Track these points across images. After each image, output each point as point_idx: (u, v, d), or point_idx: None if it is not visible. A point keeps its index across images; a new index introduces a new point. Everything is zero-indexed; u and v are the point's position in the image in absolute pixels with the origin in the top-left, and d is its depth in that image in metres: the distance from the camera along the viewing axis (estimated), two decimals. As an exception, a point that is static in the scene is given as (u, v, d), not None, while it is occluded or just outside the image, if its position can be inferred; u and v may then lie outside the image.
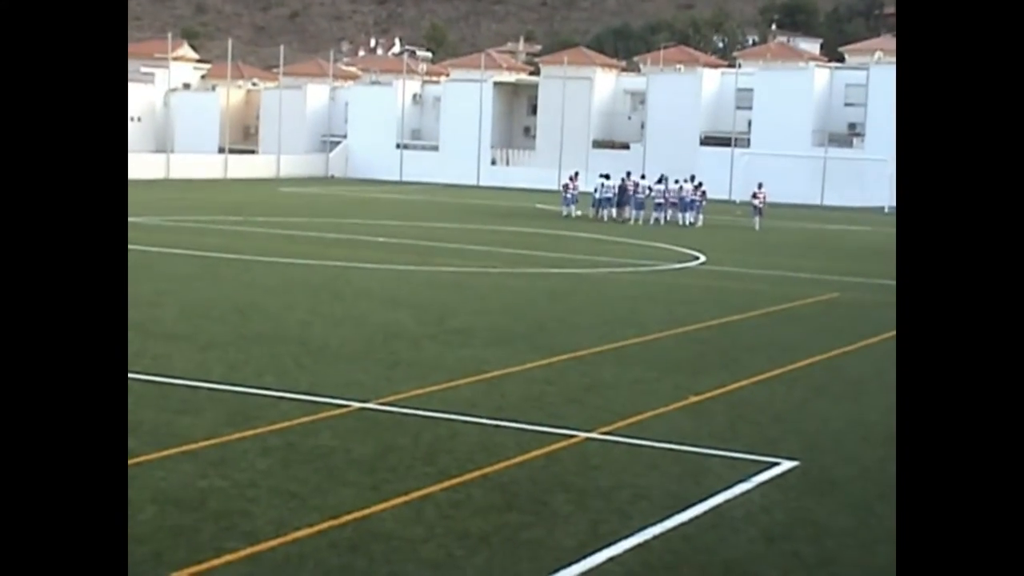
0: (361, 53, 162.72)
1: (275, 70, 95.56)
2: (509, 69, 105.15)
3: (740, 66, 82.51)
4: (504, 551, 8.85)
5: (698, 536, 9.39)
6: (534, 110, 79.76)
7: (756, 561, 8.90)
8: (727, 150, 69.20)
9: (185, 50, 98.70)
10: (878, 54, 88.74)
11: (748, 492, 10.64)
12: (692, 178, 47.59)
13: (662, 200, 47.10)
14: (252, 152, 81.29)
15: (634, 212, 47.22)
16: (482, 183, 75.09)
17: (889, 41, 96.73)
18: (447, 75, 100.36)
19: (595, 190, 48.39)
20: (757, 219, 46.20)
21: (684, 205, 46.78)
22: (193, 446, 11.34)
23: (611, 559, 8.76)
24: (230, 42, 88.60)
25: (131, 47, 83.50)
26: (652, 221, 46.40)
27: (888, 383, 14.77)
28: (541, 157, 76.33)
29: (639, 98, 77.64)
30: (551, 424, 12.76)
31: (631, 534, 9.28)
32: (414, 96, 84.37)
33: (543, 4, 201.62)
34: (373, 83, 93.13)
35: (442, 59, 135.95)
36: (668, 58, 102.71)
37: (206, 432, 11.86)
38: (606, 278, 27.89)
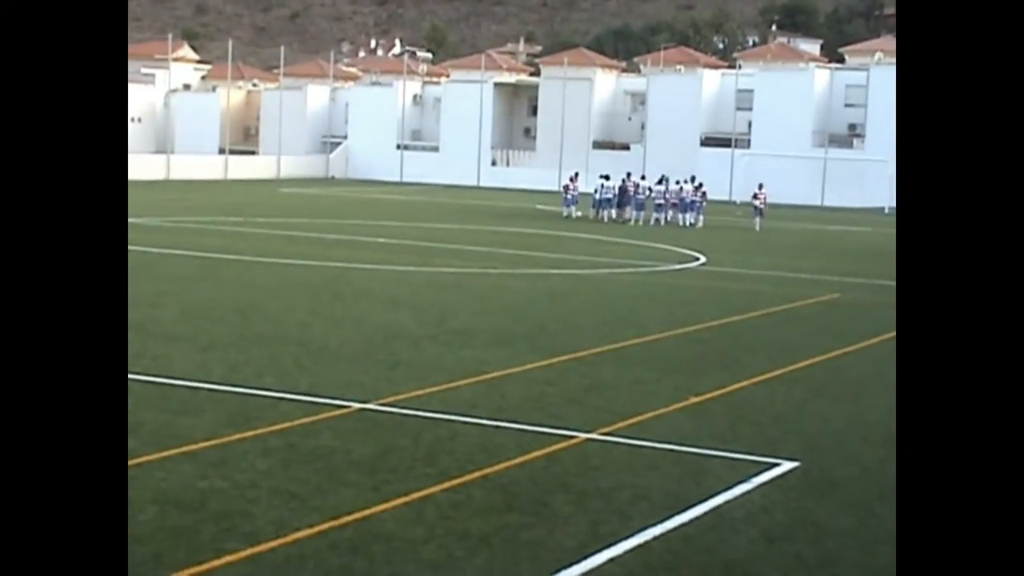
0: (361, 54, 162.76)
1: (275, 71, 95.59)
2: (509, 70, 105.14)
3: (740, 67, 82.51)
4: (504, 552, 8.85)
5: (698, 537, 9.39)
6: (534, 111, 79.77)
7: (756, 562, 8.90)
8: (727, 151, 69.21)
9: (185, 51, 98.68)
10: (878, 55, 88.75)
11: (748, 493, 10.64)
12: (692, 179, 47.60)
13: (662, 201, 47.10)
14: (252, 153, 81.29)
15: (634, 213, 47.22)
16: (482, 184, 75.10)
17: (889, 42, 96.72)
18: (447, 76, 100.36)
19: (595, 191, 48.40)
20: (758, 220, 46.19)
21: (684, 206, 46.79)
22: (193, 447, 11.34)
23: (611, 560, 8.76)
24: (230, 43, 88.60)
25: (131, 48, 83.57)
26: (652, 222, 46.40)
27: (888, 384, 14.77)
28: (541, 158, 76.33)
29: (639, 99, 77.65)
30: (551, 425, 12.76)
31: (631, 535, 9.28)
32: (414, 97, 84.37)
33: (543, 5, 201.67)
34: (373, 84, 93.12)
35: (442, 60, 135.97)
36: (668, 59, 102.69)
37: (206, 433, 11.86)
38: (606, 279, 27.89)
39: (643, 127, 74.57)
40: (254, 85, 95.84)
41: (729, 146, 69.62)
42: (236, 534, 8.93)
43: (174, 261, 27.68)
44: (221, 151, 76.86)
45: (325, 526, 9.16)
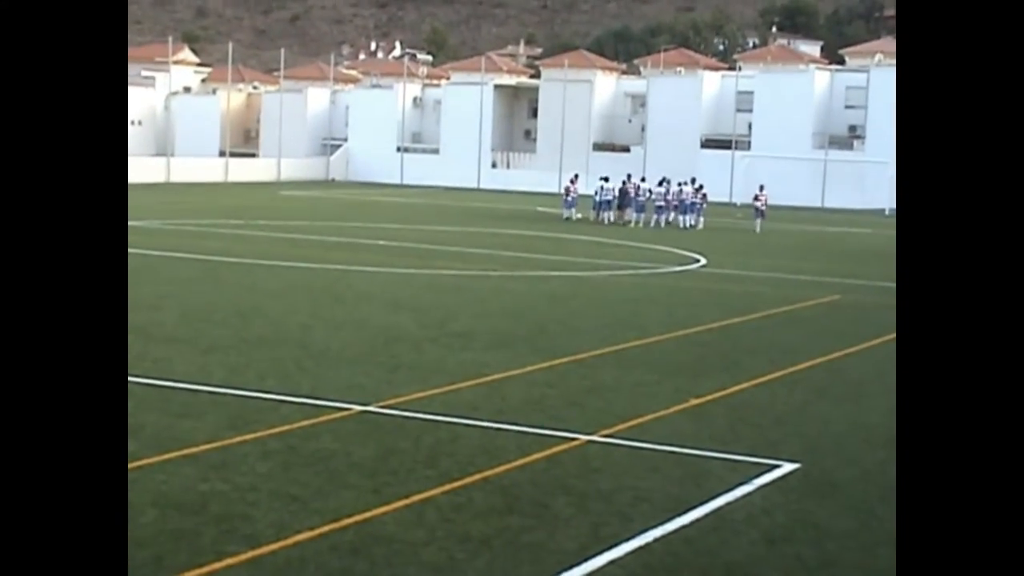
0: (362, 56, 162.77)
1: (276, 73, 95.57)
2: (509, 72, 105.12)
3: (740, 69, 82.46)
4: (505, 554, 8.86)
5: (699, 539, 9.40)
6: (534, 113, 79.73)
7: (757, 563, 8.90)
8: (727, 153, 69.17)
9: (186, 54, 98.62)
10: (878, 56, 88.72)
11: (749, 494, 10.64)
12: (693, 181, 47.61)
13: (663, 203, 47.11)
14: (253, 156, 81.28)
15: (635, 215, 47.24)
16: (483, 186, 75.11)
17: (889, 43, 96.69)
18: (447, 78, 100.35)
19: (595, 193, 48.42)
20: (759, 221, 46.19)
21: (685, 208, 46.80)
22: (194, 449, 11.34)
23: (612, 562, 8.77)
24: (231, 46, 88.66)
25: (132, 51, 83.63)
26: (653, 224, 46.41)
27: (889, 385, 14.77)
28: (541, 160, 76.31)
29: (639, 101, 77.63)
30: (552, 427, 12.76)
31: (632, 537, 9.28)
32: (414, 99, 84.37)
33: (543, 7, 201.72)
34: (374, 86, 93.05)
35: (442, 62, 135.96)
36: (668, 61, 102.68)
37: (207, 435, 11.86)
38: (607, 281, 27.89)
39: (643, 129, 74.55)
40: (254, 88, 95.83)
41: (729, 148, 69.59)
42: (237, 536, 8.93)
43: (175, 264, 27.69)
44: (221, 154, 76.87)
45: (326, 528, 9.17)
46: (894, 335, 17.65)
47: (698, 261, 32.92)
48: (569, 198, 48.66)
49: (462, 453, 11.59)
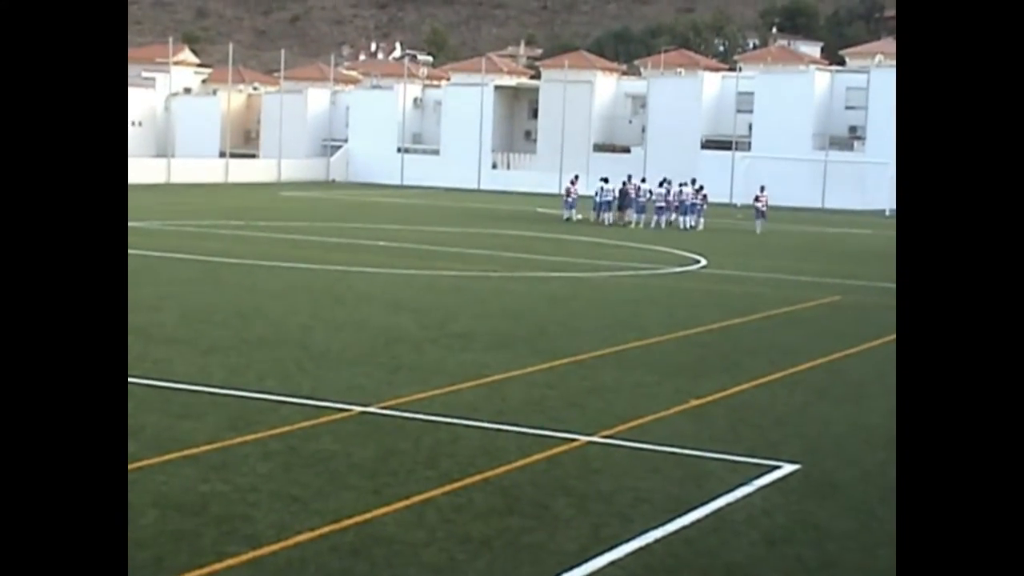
0: (362, 57, 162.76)
1: (276, 74, 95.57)
2: (510, 73, 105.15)
3: (741, 69, 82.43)
4: (505, 555, 8.86)
5: (699, 539, 9.40)
6: (535, 114, 79.73)
7: (757, 564, 8.90)
8: (728, 154, 69.16)
9: (186, 55, 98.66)
10: (879, 57, 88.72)
11: (749, 495, 10.64)
12: (693, 181, 47.61)
13: (663, 204, 47.11)
14: (253, 156, 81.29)
15: (635, 216, 47.24)
16: (483, 187, 75.11)
17: (889, 44, 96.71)
18: (448, 79, 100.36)
19: (596, 194, 48.43)
20: (760, 222, 46.18)
21: (685, 209, 46.80)
22: (194, 450, 11.35)
23: (612, 563, 8.77)
24: (231, 46, 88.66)
25: (132, 52, 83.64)
26: (653, 225, 46.41)
27: (890, 386, 14.76)
28: (542, 161, 76.30)
29: (640, 102, 77.62)
30: (552, 428, 12.76)
31: (632, 538, 9.28)
32: (415, 100, 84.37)
33: (544, 8, 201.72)
34: (374, 87, 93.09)
35: (443, 63, 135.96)
36: (669, 62, 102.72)
37: (207, 436, 11.86)
38: (607, 282, 27.90)
39: (643, 130, 74.55)
40: (255, 89, 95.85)
41: (730, 149, 69.58)
42: (237, 537, 8.94)
43: (175, 265, 27.69)
44: (222, 155, 76.88)
45: (326, 529, 9.17)
46: (894, 336, 17.65)
47: (698, 262, 32.92)
48: (569, 199, 48.67)
49: (462, 454, 11.60)
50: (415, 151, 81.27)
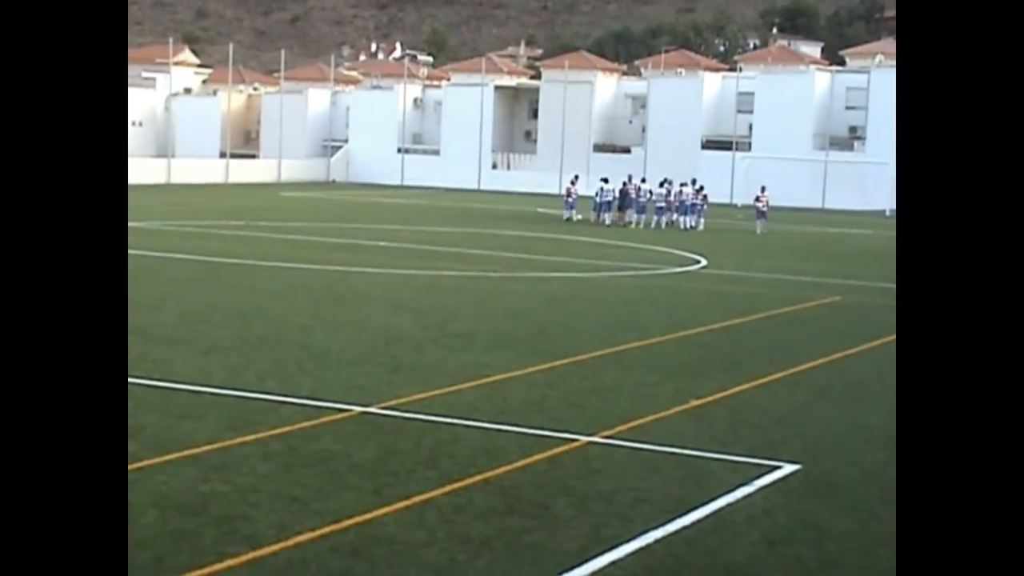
0: (362, 57, 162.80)
1: (276, 75, 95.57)
2: (510, 73, 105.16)
3: (741, 70, 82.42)
4: (506, 555, 8.86)
5: (700, 540, 9.40)
6: (535, 114, 79.73)
7: (758, 565, 8.90)
8: (728, 154, 69.14)
9: (186, 55, 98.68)
10: (879, 57, 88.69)
11: (750, 496, 10.64)
12: (693, 182, 47.62)
13: (663, 204, 47.12)
14: (253, 157, 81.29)
15: (635, 216, 47.25)
16: (483, 187, 75.11)
17: (890, 44, 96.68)
18: (448, 79, 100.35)
19: (596, 194, 48.45)
20: (761, 223, 46.18)
21: (685, 209, 46.80)
22: (195, 450, 11.35)
23: (613, 563, 8.77)
24: (231, 47, 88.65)
25: (132, 52, 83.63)
26: (653, 225, 46.41)
27: (890, 386, 14.76)
28: (542, 161, 76.30)
29: (640, 102, 77.62)
30: (553, 428, 12.76)
31: (633, 538, 9.28)
32: (415, 100, 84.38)
33: (544, 8, 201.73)
34: (374, 87, 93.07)
35: (443, 63, 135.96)
36: (669, 62, 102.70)
37: (208, 436, 11.86)
38: (607, 282, 27.90)
39: (644, 130, 74.56)
40: (255, 89, 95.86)
41: (730, 149, 69.57)
42: (237, 538, 8.94)
43: (175, 265, 27.69)
44: (222, 155, 76.88)
45: (326, 530, 9.17)
46: (894, 336, 17.65)
47: (699, 262, 32.92)
48: (570, 199, 48.67)
49: (463, 454, 11.60)
50: (415, 151, 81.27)
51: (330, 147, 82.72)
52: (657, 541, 9.27)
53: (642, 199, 47.59)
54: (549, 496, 10.32)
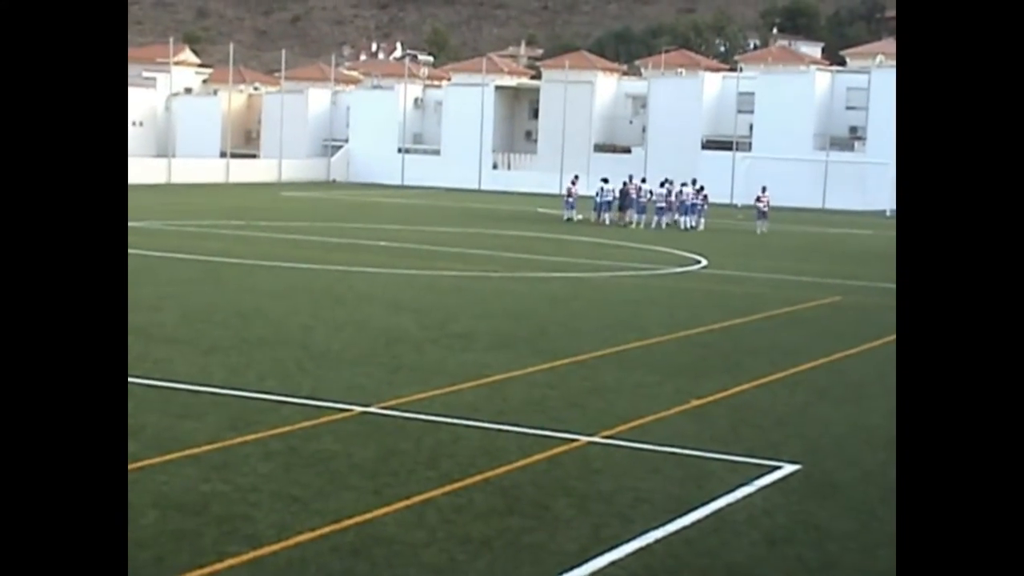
0: (363, 57, 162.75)
1: (277, 74, 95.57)
2: (510, 73, 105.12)
3: (741, 70, 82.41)
4: (506, 555, 8.86)
5: (700, 540, 9.40)
6: (535, 114, 79.72)
7: (758, 565, 8.90)
8: (728, 154, 69.11)
9: (187, 55, 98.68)
10: (879, 58, 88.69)
11: (750, 496, 10.64)
12: (694, 182, 47.62)
13: (664, 204, 47.12)
14: (254, 156, 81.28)
15: (636, 216, 47.25)
16: (483, 187, 75.11)
17: (890, 44, 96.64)
18: (448, 79, 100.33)
19: (596, 194, 48.46)
20: (761, 223, 46.18)
21: (685, 209, 46.81)
22: (195, 450, 11.35)
23: (613, 563, 8.77)
24: (232, 47, 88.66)
25: (133, 52, 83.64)
26: (654, 225, 46.41)
27: (891, 386, 14.74)
28: (542, 161, 76.29)
29: (640, 102, 77.62)
30: (553, 428, 12.76)
31: (633, 538, 9.28)
32: (415, 100, 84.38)
33: (544, 8, 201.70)
34: (375, 87, 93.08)
35: (443, 63, 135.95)
36: (669, 62, 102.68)
37: (208, 436, 11.87)
38: (607, 282, 27.90)
39: (644, 130, 74.56)
40: (255, 89, 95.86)
41: (730, 149, 69.54)
42: (238, 537, 8.94)
43: (175, 265, 27.69)
44: (222, 155, 76.88)
45: (327, 529, 9.17)
46: (894, 336, 17.65)
47: (699, 262, 32.92)
48: (570, 199, 48.67)
49: (463, 454, 11.60)
50: (416, 151, 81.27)
51: (330, 147, 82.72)
52: (657, 541, 9.27)
53: (642, 199, 47.59)
54: (549, 496, 10.32)
